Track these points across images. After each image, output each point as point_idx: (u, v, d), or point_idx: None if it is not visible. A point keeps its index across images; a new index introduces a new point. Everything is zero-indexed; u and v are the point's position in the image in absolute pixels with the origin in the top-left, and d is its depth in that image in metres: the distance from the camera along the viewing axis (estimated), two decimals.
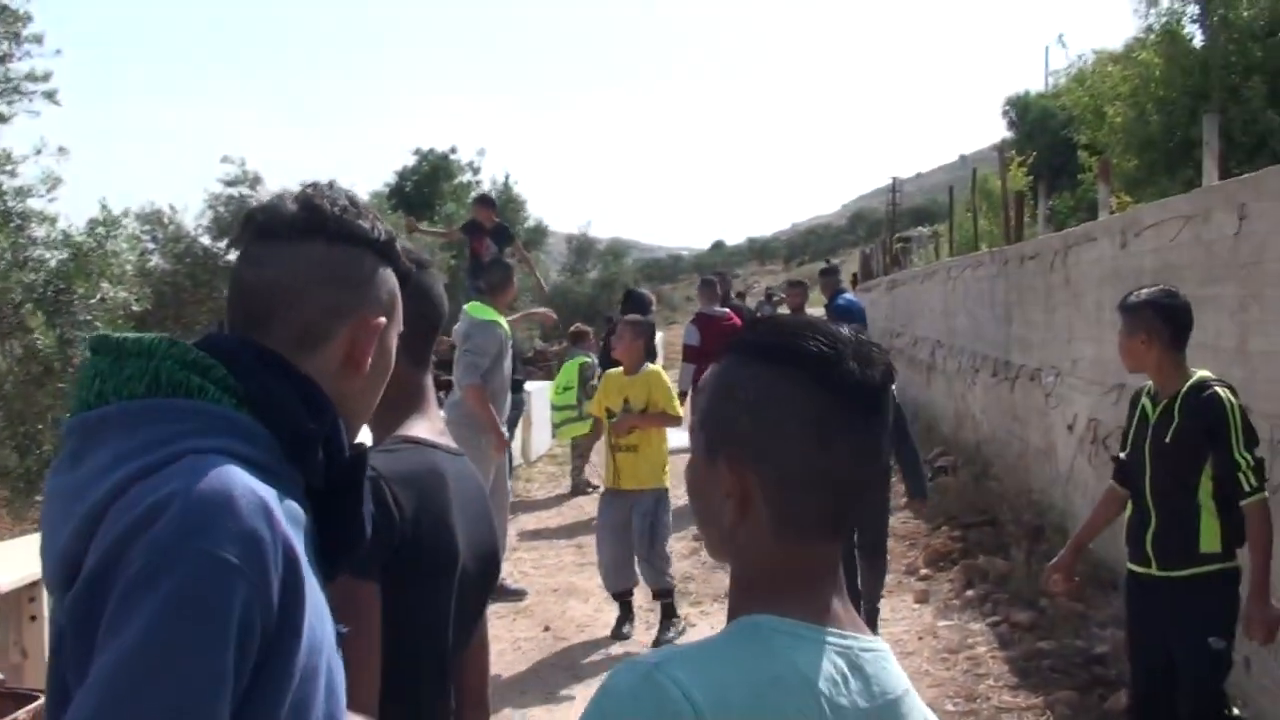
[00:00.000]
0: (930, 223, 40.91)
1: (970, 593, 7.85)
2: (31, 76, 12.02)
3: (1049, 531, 8.59)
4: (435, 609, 2.09)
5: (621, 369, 7.59)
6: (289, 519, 1.39)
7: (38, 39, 11.89)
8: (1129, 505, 4.62)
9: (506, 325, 7.87)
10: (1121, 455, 4.78)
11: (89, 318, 10.76)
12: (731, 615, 1.35)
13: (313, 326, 1.56)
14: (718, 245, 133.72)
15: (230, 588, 1.29)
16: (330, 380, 1.56)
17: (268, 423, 1.47)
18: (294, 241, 1.57)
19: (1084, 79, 18.27)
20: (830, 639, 1.31)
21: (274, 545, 1.33)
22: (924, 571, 8.61)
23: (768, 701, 1.22)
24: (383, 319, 1.62)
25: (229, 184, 22.27)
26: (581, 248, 38.15)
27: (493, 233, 13.34)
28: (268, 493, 1.37)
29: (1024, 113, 32.30)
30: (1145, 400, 4.55)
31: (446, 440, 2.24)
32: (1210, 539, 4.34)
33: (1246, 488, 4.24)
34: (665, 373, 7.99)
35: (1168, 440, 4.41)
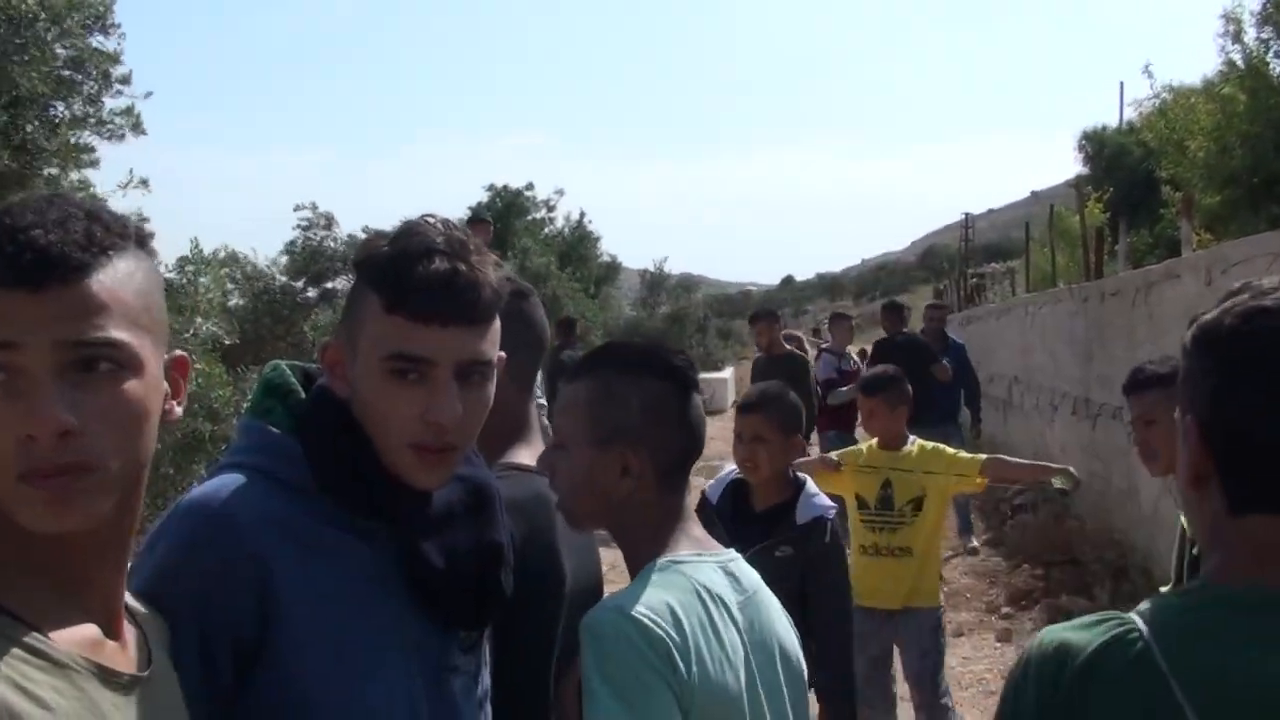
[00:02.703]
0: (1003, 259, 40.44)
1: None
2: (115, 112, 12.28)
3: (1133, 572, 8.46)
4: (542, 635, 2.10)
5: (875, 441, 5.52)
6: (286, 537, 1.52)
7: (126, 80, 12.17)
8: None
9: None
10: None
11: (181, 350, 10.95)
12: (634, 562, 1.87)
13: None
14: (787, 280, 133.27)
15: (175, 586, 1.46)
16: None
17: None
18: None
19: (1165, 113, 18.03)
20: (708, 558, 1.89)
21: (231, 558, 1.48)
22: (1005, 610, 8.52)
23: (689, 604, 1.76)
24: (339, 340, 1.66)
25: (304, 227, 22.80)
26: (654, 282, 38.30)
27: None
28: (251, 510, 1.50)
29: (1100, 148, 31.95)
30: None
31: None
32: None
33: None
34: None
35: None
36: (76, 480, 1.15)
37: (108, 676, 1.22)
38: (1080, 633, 1.32)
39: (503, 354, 1.69)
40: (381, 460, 1.59)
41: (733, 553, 1.99)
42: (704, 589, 1.82)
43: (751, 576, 1.97)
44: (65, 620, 1.21)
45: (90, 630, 1.24)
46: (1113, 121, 34.53)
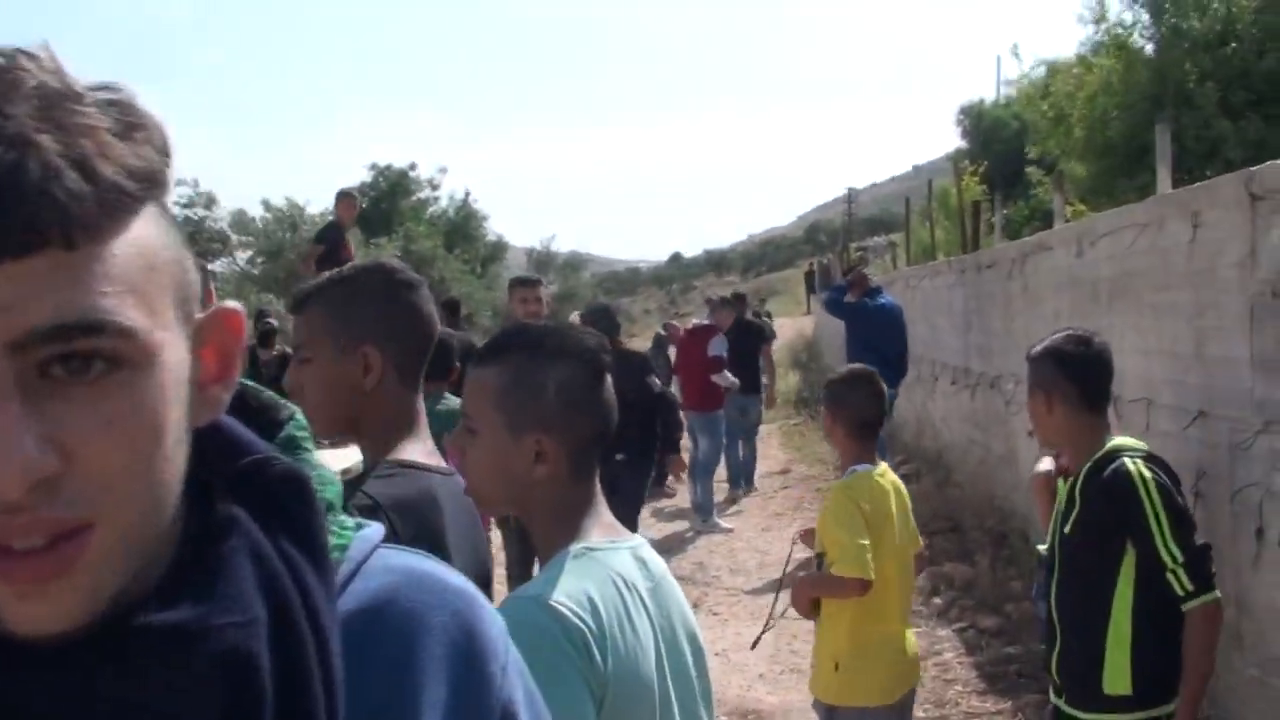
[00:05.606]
0: (886, 232, 41.07)
1: (936, 599, 7.92)
2: None
3: (1012, 537, 8.69)
4: None
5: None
6: None
7: None
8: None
9: None
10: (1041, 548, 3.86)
11: None
12: (547, 548, 1.86)
13: None
14: (675, 257, 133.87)
15: None
16: None
17: None
18: None
19: (1043, 89, 18.45)
20: (621, 545, 1.89)
21: None
22: None
23: (607, 593, 1.76)
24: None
25: (185, 205, 22.27)
26: (541, 261, 38.24)
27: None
28: None
29: (978, 122, 32.54)
30: (1061, 481, 3.62)
31: (438, 461, 2.22)
32: (1117, 678, 3.26)
33: (1180, 591, 3.17)
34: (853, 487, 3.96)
35: (1067, 531, 3.41)
36: None
37: None
38: None
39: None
40: None
41: (640, 539, 1.99)
42: (619, 577, 1.83)
43: (658, 563, 1.97)
44: None
45: None
46: (990, 95, 35.20)
